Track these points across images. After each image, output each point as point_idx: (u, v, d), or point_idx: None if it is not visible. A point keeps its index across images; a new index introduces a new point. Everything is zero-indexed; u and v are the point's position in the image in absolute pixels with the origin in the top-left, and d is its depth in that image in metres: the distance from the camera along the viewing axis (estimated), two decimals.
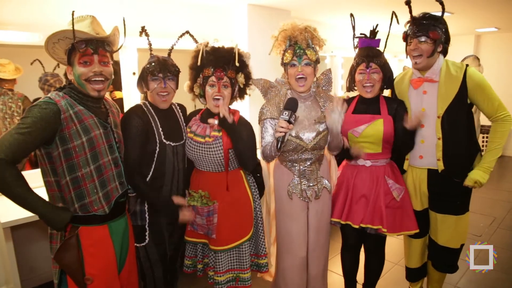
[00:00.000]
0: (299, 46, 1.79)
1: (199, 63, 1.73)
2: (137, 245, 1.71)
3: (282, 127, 1.60)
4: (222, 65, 1.73)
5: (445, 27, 1.87)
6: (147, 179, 1.69)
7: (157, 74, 1.68)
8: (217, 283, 1.80)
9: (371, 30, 1.93)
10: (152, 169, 1.69)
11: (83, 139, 1.39)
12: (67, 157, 1.37)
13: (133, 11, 2.77)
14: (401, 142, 1.93)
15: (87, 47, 1.40)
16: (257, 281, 2.16)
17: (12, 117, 2.65)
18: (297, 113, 1.67)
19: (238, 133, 1.69)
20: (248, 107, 3.32)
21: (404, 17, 1.94)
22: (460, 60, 3.20)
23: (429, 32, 1.81)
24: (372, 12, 3.94)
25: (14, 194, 1.27)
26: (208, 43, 1.78)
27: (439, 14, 1.87)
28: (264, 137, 1.87)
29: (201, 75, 1.77)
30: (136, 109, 1.72)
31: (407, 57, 1.97)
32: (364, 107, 1.96)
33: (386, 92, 2.05)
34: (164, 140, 1.71)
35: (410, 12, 1.90)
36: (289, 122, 1.61)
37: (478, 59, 3.16)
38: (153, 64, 1.69)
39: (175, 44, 1.85)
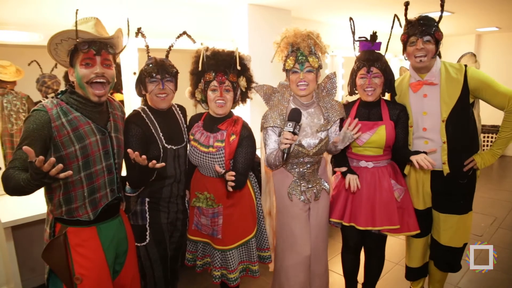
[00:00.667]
0: (301, 52, 1.76)
1: (200, 68, 1.72)
2: (138, 244, 1.72)
3: (287, 139, 1.58)
4: (223, 69, 1.72)
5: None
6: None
7: (155, 76, 1.67)
8: (230, 280, 1.81)
9: (371, 35, 1.91)
10: (154, 173, 1.68)
11: (76, 146, 1.39)
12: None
13: (133, 11, 2.76)
14: (397, 148, 1.92)
15: (89, 48, 1.39)
16: (257, 281, 2.16)
17: (18, 113, 2.64)
18: (300, 122, 1.66)
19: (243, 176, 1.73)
20: (249, 111, 3.31)
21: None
22: (457, 58, 3.19)
23: (434, 32, 1.81)
24: (372, 12, 3.93)
25: (26, 192, 1.27)
26: (208, 47, 1.77)
27: (438, 14, 1.87)
28: (268, 144, 1.86)
29: (202, 80, 1.76)
30: (133, 117, 1.71)
31: (405, 58, 1.96)
32: (365, 111, 1.95)
33: (386, 96, 2.04)
34: (166, 145, 1.71)
35: (406, 14, 1.90)
36: (293, 133, 1.59)
37: (474, 55, 3.14)
38: (150, 65, 1.69)
39: (172, 45, 1.83)
